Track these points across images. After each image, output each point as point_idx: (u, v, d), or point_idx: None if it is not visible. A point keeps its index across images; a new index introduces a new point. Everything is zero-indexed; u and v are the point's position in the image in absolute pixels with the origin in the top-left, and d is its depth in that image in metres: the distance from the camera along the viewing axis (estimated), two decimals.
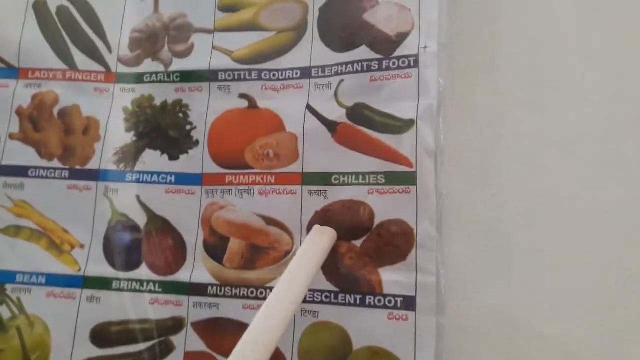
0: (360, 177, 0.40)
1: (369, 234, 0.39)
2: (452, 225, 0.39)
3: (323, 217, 0.40)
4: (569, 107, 0.39)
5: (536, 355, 0.37)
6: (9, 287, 0.45)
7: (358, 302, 0.38)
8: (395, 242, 0.37)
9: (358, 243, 0.39)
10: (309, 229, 0.41)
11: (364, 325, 0.37)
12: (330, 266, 0.39)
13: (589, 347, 0.36)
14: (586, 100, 0.39)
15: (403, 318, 0.36)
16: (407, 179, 0.38)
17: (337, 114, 0.41)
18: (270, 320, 0.31)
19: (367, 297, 0.38)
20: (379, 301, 0.37)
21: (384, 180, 0.39)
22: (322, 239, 0.38)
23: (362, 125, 0.41)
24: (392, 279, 0.37)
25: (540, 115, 0.40)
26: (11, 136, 0.47)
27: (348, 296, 0.38)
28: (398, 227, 0.38)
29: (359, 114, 0.41)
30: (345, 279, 0.38)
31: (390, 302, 0.37)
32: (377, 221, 0.39)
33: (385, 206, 0.39)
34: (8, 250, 0.45)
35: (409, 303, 0.36)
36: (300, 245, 0.40)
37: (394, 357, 0.36)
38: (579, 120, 0.39)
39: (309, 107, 0.42)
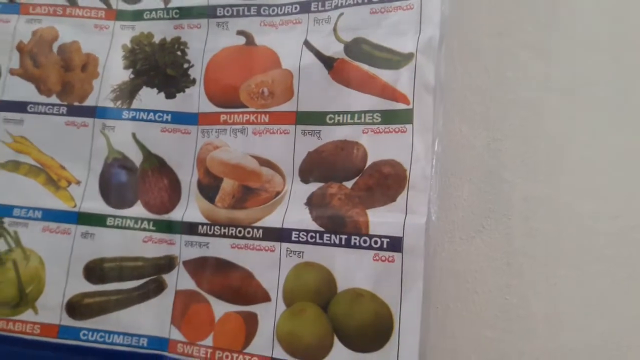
0: (356, 116, 0.39)
1: (361, 174, 0.38)
2: (451, 169, 0.38)
3: (316, 158, 0.40)
4: (578, 52, 0.38)
5: (533, 302, 0.36)
6: (6, 220, 0.46)
7: (343, 242, 0.37)
8: (386, 183, 0.37)
9: (349, 184, 0.38)
10: (301, 170, 0.40)
11: (348, 266, 0.37)
12: (318, 207, 0.38)
13: (590, 290, 0.35)
14: (596, 46, 0.38)
15: (389, 259, 0.36)
16: (404, 117, 0.37)
17: (334, 50, 0.40)
18: None
19: (353, 237, 0.37)
20: (365, 241, 0.37)
21: (379, 119, 0.38)
22: None
23: (359, 61, 0.40)
24: (380, 220, 0.37)
25: (548, 59, 0.38)
26: (11, 71, 0.47)
27: (333, 236, 0.38)
28: (390, 168, 0.37)
29: (358, 48, 0.40)
30: (332, 219, 0.38)
31: (376, 242, 0.36)
32: (369, 162, 0.38)
33: (379, 146, 0.38)
34: (6, 185, 0.46)
35: (395, 244, 0.36)
36: (290, 189, 0.40)
37: (378, 299, 0.36)
38: (587, 66, 0.38)
39: (306, 43, 0.41)
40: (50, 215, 0.45)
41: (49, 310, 0.44)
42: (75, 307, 0.44)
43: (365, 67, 0.39)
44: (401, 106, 0.37)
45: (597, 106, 0.37)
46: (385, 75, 0.38)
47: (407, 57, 0.38)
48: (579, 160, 0.36)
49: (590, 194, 0.36)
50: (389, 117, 0.38)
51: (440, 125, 0.37)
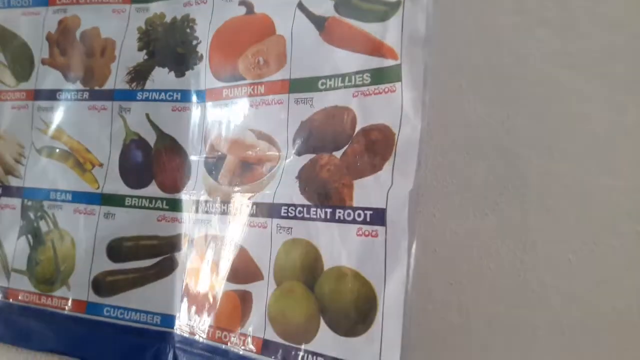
0: (346, 78, 0.36)
1: (349, 142, 0.35)
2: (461, 145, 0.36)
3: (308, 128, 0.37)
4: (596, 28, 0.35)
5: (547, 278, 0.34)
6: (45, 203, 0.49)
7: (328, 216, 0.34)
8: (373, 150, 0.33)
9: (339, 154, 0.35)
10: (294, 142, 0.38)
11: (333, 242, 0.34)
12: (307, 179, 0.36)
13: (605, 266, 0.32)
14: (614, 21, 0.35)
15: (372, 234, 0.32)
16: (392, 75, 0.33)
17: (325, 8, 0.38)
18: None
19: (337, 210, 0.34)
20: (349, 215, 0.33)
21: (369, 80, 0.35)
22: None
23: (349, 17, 0.36)
24: (365, 190, 0.33)
25: (565, 34, 0.35)
26: (43, 61, 0.50)
27: (319, 210, 0.35)
28: (378, 133, 0.33)
29: (347, 3, 0.36)
30: (318, 192, 0.35)
31: (359, 215, 0.33)
32: (358, 128, 0.35)
33: (368, 110, 0.35)
34: (43, 170, 0.50)
35: (379, 216, 0.32)
36: (284, 162, 0.38)
37: (362, 278, 0.32)
38: (605, 41, 0.35)
39: (299, 5, 0.39)
40: (79, 197, 0.48)
41: (78, 287, 0.46)
42: (100, 284, 0.46)
43: (354, 22, 0.36)
44: (389, 62, 0.34)
45: (614, 82, 0.34)
46: (372, 28, 0.35)
47: (395, 6, 0.33)
48: (595, 136, 0.33)
49: (606, 170, 0.33)
50: (378, 76, 0.34)
51: (430, 84, 0.33)
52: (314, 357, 0.34)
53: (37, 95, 0.50)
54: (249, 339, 0.37)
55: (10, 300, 0.48)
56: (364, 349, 0.32)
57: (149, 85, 0.46)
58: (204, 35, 0.45)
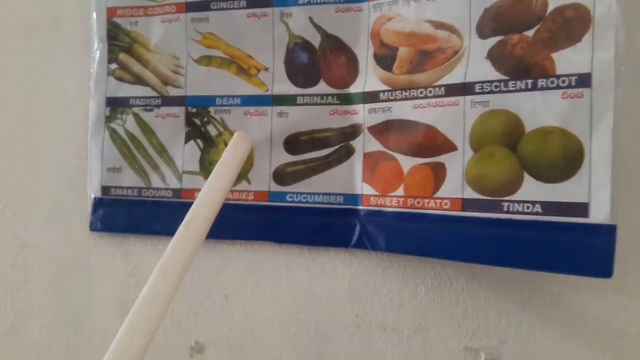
0: None
1: (542, 22, 0.41)
2: None
3: (493, 13, 0.43)
4: None
5: None
6: (211, 109, 0.55)
7: (530, 86, 0.41)
8: (570, 26, 0.39)
9: (530, 33, 0.42)
10: (478, 26, 0.44)
11: (536, 107, 0.41)
12: (500, 58, 0.42)
13: None
14: None
15: (578, 95, 0.39)
16: None
17: None
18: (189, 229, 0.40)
19: (539, 80, 0.41)
20: (552, 82, 0.40)
21: None
22: (237, 149, 0.46)
23: None
24: (566, 60, 0.40)
25: None
26: None
27: (519, 82, 0.41)
28: (573, 11, 0.39)
29: None
30: (515, 67, 0.41)
31: (563, 82, 0.40)
32: (551, 8, 0.40)
33: None
34: (205, 78, 0.55)
35: (584, 80, 0.39)
36: (468, 46, 0.44)
37: (568, 133, 0.40)
38: None
39: None
40: (248, 100, 0.54)
41: (259, 179, 0.53)
42: (280, 175, 0.53)
43: None
44: None
45: None
46: None
47: None
48: None
49: None
50: None
51: None
52: (521, 205, 0.42)
53: (189, 7, 0.55)
54: (447, 201, 0.45)
55: (186, 199, 0.55)
56: (573, 189, 0.39)
57: None
58: None
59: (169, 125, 0.56)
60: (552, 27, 0.40)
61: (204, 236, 0.41)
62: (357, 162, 0.50)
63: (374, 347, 0.50)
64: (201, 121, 0.55)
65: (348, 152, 0.50)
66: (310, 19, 0.51)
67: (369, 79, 0.49)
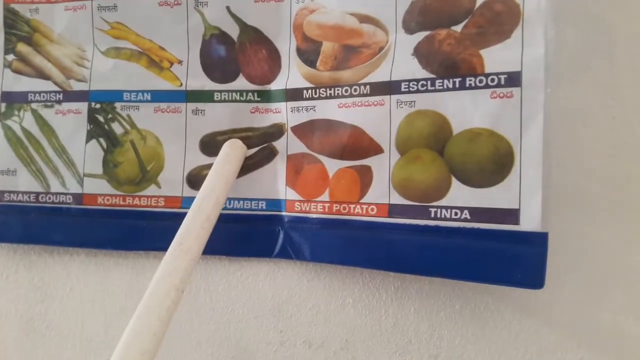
0: None
1: (470, 16, 0.39)
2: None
3: (420, 6, 0.40)
4: None
5: (637, 129, 0.38)
6: (117, 105, 0.50)
7: (457, 85, 0.39)
8: (499, 20, 0.37)
9: (458, 28, 0.39)
10: (404, 21, 0.41)
11: (464, 108, 0.39)
12: (427, 55, 0.40)
13: None
14: None
15: (507, 95, 0.37)
16: None
17: None
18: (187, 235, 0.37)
19: (467, 78, 0.38)
20: (480, 81, 0.38)
21: None
22: (234, 153, 0.43)
23: None
24: (495, 57, 0.38)
25: None
26: None
27: (446, 81, 0.39)
28: (502, 5, 0.38)
29: None
30: (443, 64, 0.39)
31: (492, 80, 0.38)
32: (480, 1, 0.38)
33: None
34: (111, 71, 0.50)
35: (513, 79, 0.37)
36: (394, 42, 0.41)
37: (497, 135, 0.38)
38: None
39: None
40: (159, 96, 0.49)
41: (171, 183, 0.49)
42: (195, 179, 0.49)
43: None
44: None
45: None
46: None
47: None
48: None
49: None
50: None
51: None
52: (449, 211, 0.39)
53: None
54: (373, 207, 0.42)
55: (87, 205, 0.50)
56: (502, 194, 0.37)
57: None
58: None
59: (69, 122, 0.50)
60: (481, 21, 0.38)
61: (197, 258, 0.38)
62: (280, 165, 0.46)
63: None
64: (105, 118, 0.50)
65: (271, 154, 0.47)
66: (228, 9, 0.47)
67: (291, 75, 0.45)
